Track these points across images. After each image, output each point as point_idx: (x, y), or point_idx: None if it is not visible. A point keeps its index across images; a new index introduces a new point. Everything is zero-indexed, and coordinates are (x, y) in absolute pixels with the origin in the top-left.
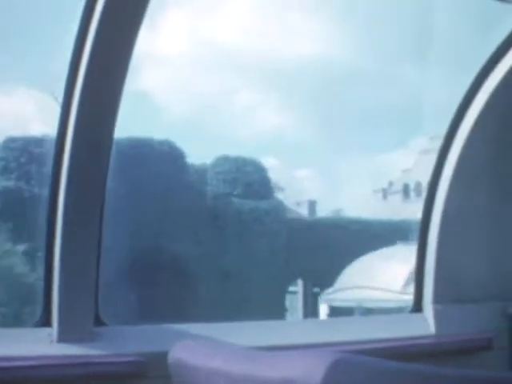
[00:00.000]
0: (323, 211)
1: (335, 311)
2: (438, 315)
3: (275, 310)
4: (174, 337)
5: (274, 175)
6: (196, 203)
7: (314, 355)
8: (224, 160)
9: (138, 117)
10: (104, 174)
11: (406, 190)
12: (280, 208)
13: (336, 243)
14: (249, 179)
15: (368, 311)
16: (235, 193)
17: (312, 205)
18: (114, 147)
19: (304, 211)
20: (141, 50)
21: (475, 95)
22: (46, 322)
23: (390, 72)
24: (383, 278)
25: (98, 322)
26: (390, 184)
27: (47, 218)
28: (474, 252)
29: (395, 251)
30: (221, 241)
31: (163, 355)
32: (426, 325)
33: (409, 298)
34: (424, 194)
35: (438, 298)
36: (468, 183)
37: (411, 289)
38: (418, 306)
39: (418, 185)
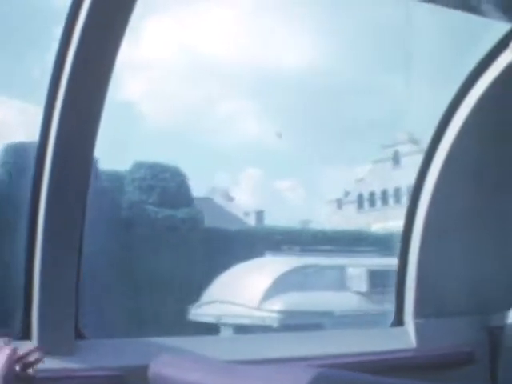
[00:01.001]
0: (277, 220)
1: (198, 327)
2: (418, 329)
3: (182, 323)
4: (154, 350)
5: (253, 184)
6: (109, 211)
7: (293, 370)
8: (139, 166)
9: (119, 125)
10: (86, 184)
11: (360, 200)
12: (198, 217)
13: (246, 254)
14: (165, 186)
15: (230, 327)
16: (150, 200)
17: (259, 215)
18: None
19: (252, 221)
20: (122, 59)
21: (457, 108)
22: (25, 335)
23: (371, 83)
24: (244, 292)
25: (79, 335)
26: (346, 194)
27: (27, 231)
28: (454, 266)
29: (264, 263)
30: (132, 249)
31: (143, 369)
32: (406, 338)
33: (264, 314)
34: (378, 203)
35: (418, 312)
36: (449, 197)
37: (268, 305)
38: (398, 320)
39: (372, 195)
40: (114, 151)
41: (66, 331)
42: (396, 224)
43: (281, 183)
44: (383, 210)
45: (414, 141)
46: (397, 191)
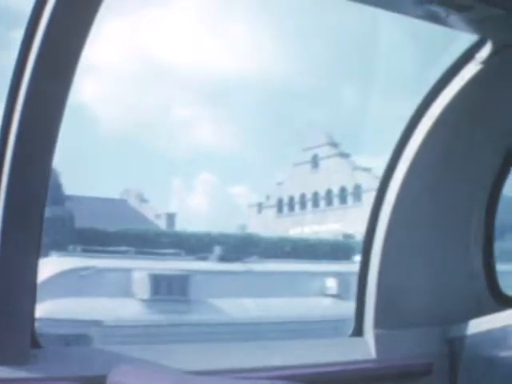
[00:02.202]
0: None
1: None
2: (378, 339)
3: None
4: (113, 360)
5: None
6: None
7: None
8: None
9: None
10: (45, 185)
11: (279, 205)
12: (67, 217)
13: None
14: None
15: None
16: None
17: (170, 217)
18: None
19: (163, 224)
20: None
21: (421, 119)
22: None
23: (327, 90)
24: None
25: (35, 343)
26: (267, 198)
27: None
28: (414, 277)
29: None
30: None
31: (102, 379)
32: (366, 349)
33: None
34: (296, 207)
35: (379, 323)
36: (411, 208)
37: None
38: (358, 330)
39: (291, 199)
40: None
41: (21, 339)
42: (312, 229)
43: (234, 188)
44: (301, 214)
45: (332, 144)
46: (315, 195)
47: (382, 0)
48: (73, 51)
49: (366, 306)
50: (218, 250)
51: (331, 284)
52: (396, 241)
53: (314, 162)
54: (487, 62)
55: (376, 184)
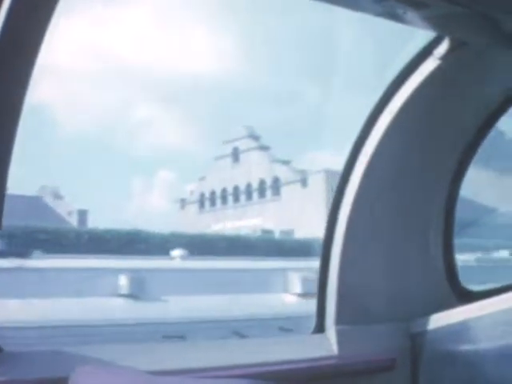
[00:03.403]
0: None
1: None
2: (340, 336)
3: None
4: (74, 361)
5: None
6: None
7: (214, 382)
8: None
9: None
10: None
11: (201, 200)
12: None
13: None
14: None
15: None
16: None
17: (82, 214)
18: None
19: (74, 221)
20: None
21: (380, 115)
22: None
23: (289, 89)
24: None
25: None
26: (192, 193)
27: None
28: (376, 273)
29: None
30: None
31: (63, 381)
32: (328, 345)
33: None
34: (218, 202)
35: (340, 319)
36: (370, 204)
37: None
38: (320, 327)
39: (213, 194)
40: None
41: None
42: (233, 225)
43: (190, 186)
44: (223, 209)
45: (253, 136)
46: (235, 190)
47: None
48: (30, 50)
49: (327, 303)
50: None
51: (123, 282)
52: (356, 237)
53: (235, 155)
54: (445, 58)
55: (295, 177)
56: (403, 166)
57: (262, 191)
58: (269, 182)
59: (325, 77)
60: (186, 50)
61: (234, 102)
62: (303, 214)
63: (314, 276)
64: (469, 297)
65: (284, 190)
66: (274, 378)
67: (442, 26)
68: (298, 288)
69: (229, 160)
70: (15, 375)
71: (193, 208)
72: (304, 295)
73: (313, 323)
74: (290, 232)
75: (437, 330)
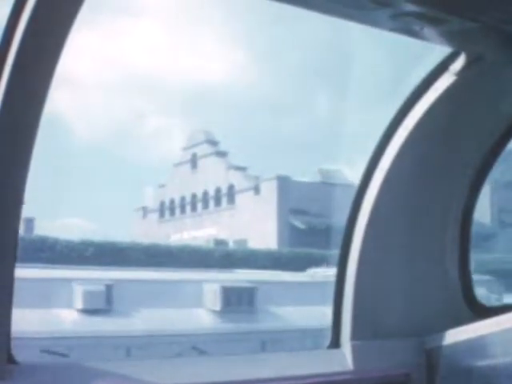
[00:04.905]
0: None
1: None
2: (355, 351)
3: None
4: (89, 375)
5: None
6: None
7: None
8: None
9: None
10: (19, 202)
11: (161, 209)
12: None
13: None
14: None
15: None
16: None
17: (29, 222)
18: None
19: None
20: None
21: (396, 130)
22: None
23: (299, 100)
24: None
25: (10, 359)
26: (155, 201)
27: None
28: (391, 288)
29: None
30: None
31: None
32: (343, 361)
33: None
34: (177, 210)
35: (355, 334)
36: (385, 219)
37: None
38: (335, 342)
39: (172, 202)
40: None
41: None
42: (190, 235)
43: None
44: (181, 219)
45: (211, 142)
46: (193, 198)
47: (357, 14)
48: (49, 61)
49: (342, 318)
50: None
51: None
52: (372, 252)
53: (193, 161)
54: (461, 74)
55: (249, 184)
56: (419, 181)
57: (217, 199)
58: (224, 189)
59: (342, 92)
60: (198, 60)
61: (247, 112)
62: (256, 223)
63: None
64: (484, 312)
65: (238, 198)
66: None
67: (458, 41)
68: (79, 303)
69: (187, 167)
70: None
71: (154, 217)
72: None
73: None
74: (243, 242)
75: (452, 346)
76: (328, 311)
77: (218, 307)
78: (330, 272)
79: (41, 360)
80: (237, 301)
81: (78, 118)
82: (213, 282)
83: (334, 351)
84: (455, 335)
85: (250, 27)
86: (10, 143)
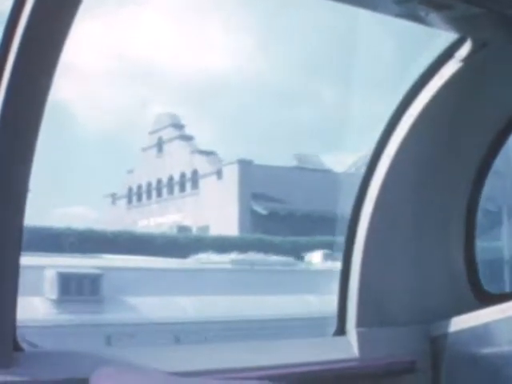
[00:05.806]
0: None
1: None
2: (361, 338)
3: None
4: (94, 362)
5: None
6: None
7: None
8: None
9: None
10: (24, 191)
11: (129, 195)
12: None
13: None
14: None
15: None
16: None
17: None
18: None
19: None
20: None
21: (401, 117)
22: None
23: (306, 89)
24: None
25: (16, 347)
26: (123, 187)
27: None
28: (396, 276)
29: None
30: None
31: (84, 382)
32: (349, 348)
33: None
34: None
35: (361, 321)
36: (392, 206)
37: None
38: (341, 329)
39: (139, 188)
40: None
41: (4, 342)
42: (156, 222)
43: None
44: (148, 205)
45: (176, 125)
46: (159, 183)
47: (363, 0)
48: (53, 50)
49: (348, 305)
50: None
51: None
52: (378, 239)
53: (159, 145)
54: (467, 61)
55: (212, 169)
56: (425, 168)
57: (182, 185)
58: (188, 174)
59: (346, 79)
60: (202, 50)
61: (254, 101)
62: (219, 209)
63: None
64: (490, 299)
65: (202, 183)
66: (296, 380)
67: (464, 27)
68: None
69: (154, 151)
70: (36, 375)
71: (122, 203)
72: None
73: None
74: (205, 228)
75: (458, 333)
76: (192, 301)
77: (54, 296)
78: (217, 258)
79: (46, 347)
80: (77, 289)
81: (81, 106)
82: (53, 268)
83: (340, 338)
84: (461, 322)
85: (257, 13)
86: (14, 133)
